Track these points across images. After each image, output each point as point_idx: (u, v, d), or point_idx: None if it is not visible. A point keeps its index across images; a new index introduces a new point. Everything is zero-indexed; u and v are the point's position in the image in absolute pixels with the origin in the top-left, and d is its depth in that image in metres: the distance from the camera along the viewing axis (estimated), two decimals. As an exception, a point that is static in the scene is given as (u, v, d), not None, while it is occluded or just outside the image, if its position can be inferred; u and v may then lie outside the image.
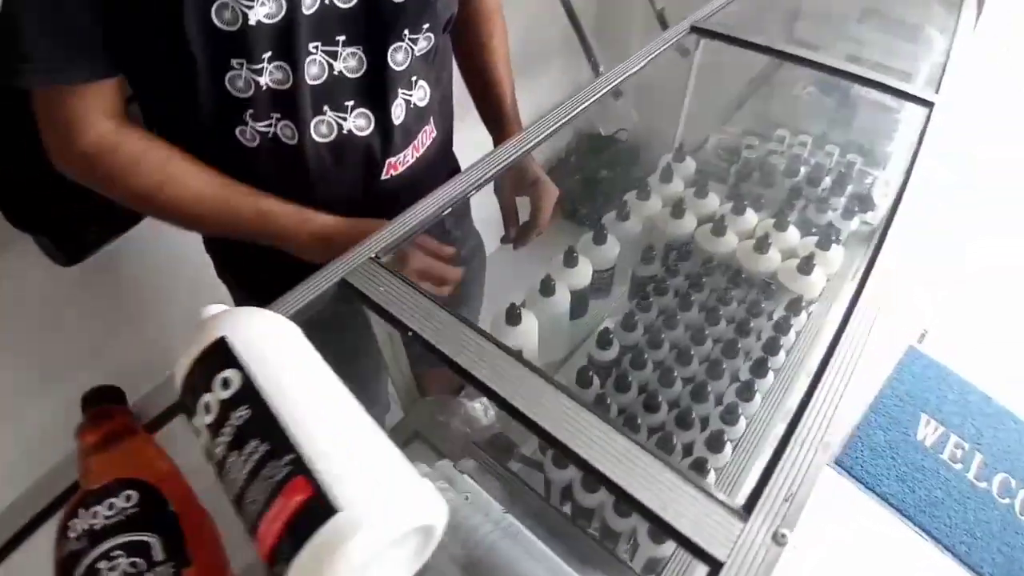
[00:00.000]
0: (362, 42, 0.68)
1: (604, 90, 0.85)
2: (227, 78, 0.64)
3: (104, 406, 0.52)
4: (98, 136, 0.64)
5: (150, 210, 0.70)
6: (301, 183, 0.73)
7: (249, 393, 0.38)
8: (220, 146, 0.69)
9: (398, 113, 0.74)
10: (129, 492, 0.45)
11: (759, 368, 0.77)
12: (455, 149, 0.94)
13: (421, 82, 0.76)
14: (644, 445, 0.45)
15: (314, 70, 0.67)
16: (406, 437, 0.83)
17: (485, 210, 0.94)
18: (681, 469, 0.44)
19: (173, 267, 1.15)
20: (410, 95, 0.75)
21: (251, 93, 0.65)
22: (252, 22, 0.60)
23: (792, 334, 0.82)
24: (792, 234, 0.89)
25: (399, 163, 0.78)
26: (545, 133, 0.80)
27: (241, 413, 0.37)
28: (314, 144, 0.70)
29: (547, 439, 0.48)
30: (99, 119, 0.64)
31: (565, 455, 0.46)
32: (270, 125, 0.68)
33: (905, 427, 1.73)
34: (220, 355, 0.40)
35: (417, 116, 0.78)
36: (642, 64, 0.88)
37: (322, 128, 0.70)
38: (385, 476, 0.36)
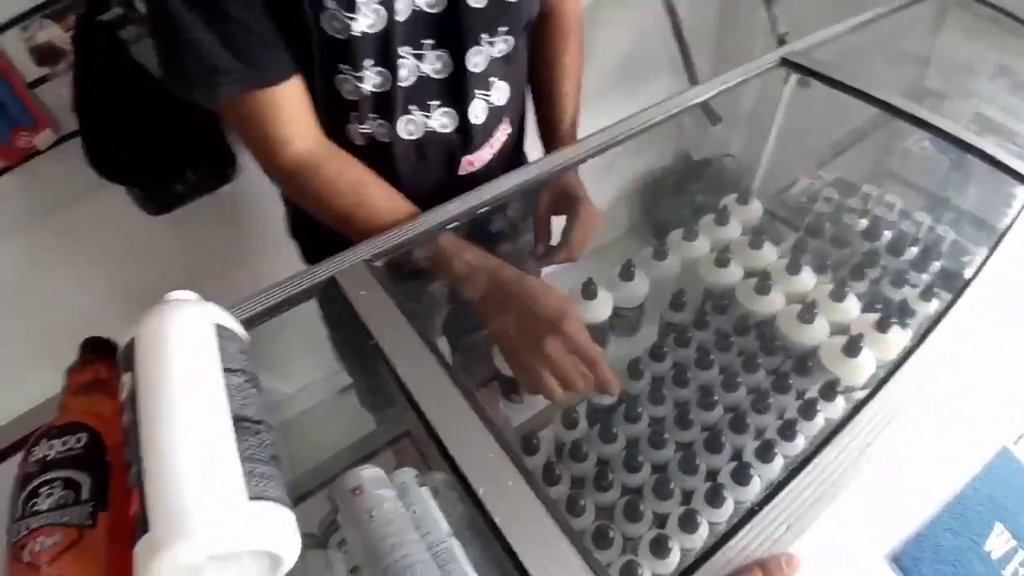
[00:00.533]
0: (447, 45, 0.72)
1: (666, 114, 0.82)
2: (335, 81, 0.69)
3: (94, 356, 0.58)
4: (296, 155, 0.69)
5: (345, 229, 0.73)
6: (391, 179, 0.77)
7: (132, 400, 0.43)
8: (338, 143, 0.74)
9: (477, 112, 0.78)
10: (81, 435, 0.50)
11: (765, 452, 0.69)
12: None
13: (500, 83, 0.79)
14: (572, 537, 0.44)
15: (404, 72, 0.71)
16: (399, 434, 0.85)
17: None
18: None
19: (252, 231, 1.25)
20: (488, 95, 0.78)
21: (356, 97, 0.70)
22: (356, 32, 0.64)
23: (819, 420, 0.73)
24: (849, 307, 0.80)
25: (476, 160, 0.83)
26: (589, 151, 0.79)
27: (127, 416, 0.42)
28: (402, 142, 0.76)
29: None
30: (293, 137, 0.69)
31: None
32: (369, 126, 0.74)
33: (976, 533, 1.50)
34: (127, 357, 0.45)
35: (495, 115, 0.81)
36: (719, 89, 0.84)
37: (409, 126, 0.75)
38: (196, 508, 0.37)
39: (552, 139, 0.92)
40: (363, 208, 0.71)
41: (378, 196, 0.73)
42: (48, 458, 0.49)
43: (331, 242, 0.71)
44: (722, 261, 0.84)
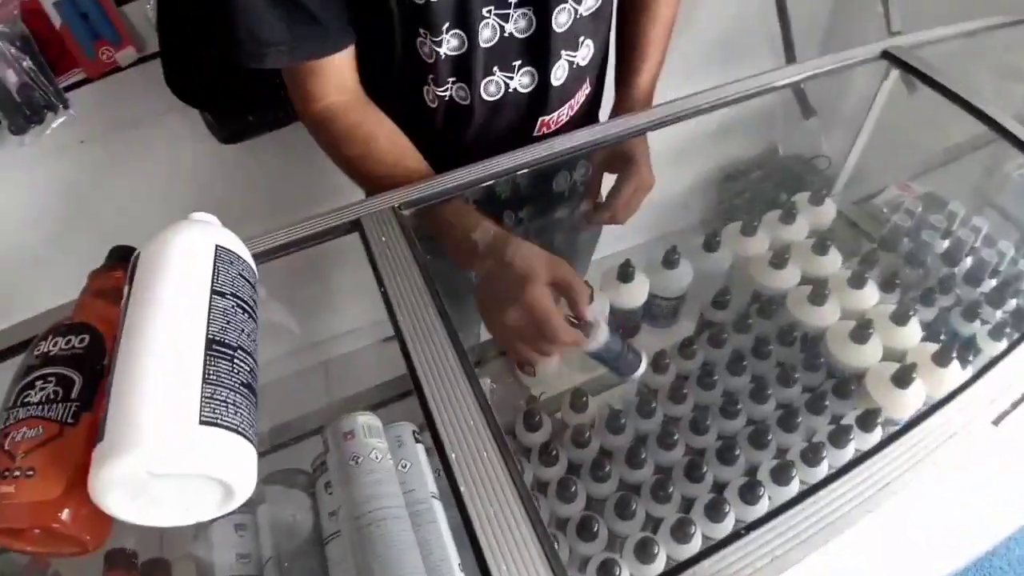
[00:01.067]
0: (531, 3, 0.69)
1: (751, 91, 0.76)
2: (416, 44, 0.68)
3: (116, 264, 0.60)
4: (324, 107, 0.71)
5: (350, 175, 0.75)
6: (466, 138, 0.77)
7: (125, 307, 0.44)
8: (410, 105, 0.74)
9: (559, 75, 0.76)
10: (84, 335, 0.51)
11: (782, 473, 0.63)
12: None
13: (587, 41, 0.76)
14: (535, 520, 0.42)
15: (487, 33, 0.69)
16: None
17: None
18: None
19: (314, 171, 1.27)
20: (573, 56, 0.76)
21: (432, 60, 0.69)
22: None
23: (849, 450, 0.66)
24: (909, 332, 0.72)
25: (551, 121, 0.80)
26: (663, 118, 0.74)
27: (119, 327, 0.44)
28: (482, 102, 0.74)
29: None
30: (329, 92, 0.70)
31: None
32: (448, 88, 0.73)
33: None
34: (132, 269, 0.47)
35: (577, 76, 0.78)
36: (811, 73, 0.77)
37: (491, 88, 0.74)
38: (144, 422, 0.38)
39: (627, 89, 0.86)
40: (368, 160, 0.72)
41: (384, 151, 0.72)
42: (50, 353, 0.50)
43: None
44: (778, 263, 0.78)
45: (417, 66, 0.70)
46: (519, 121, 0.78)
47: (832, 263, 0.80)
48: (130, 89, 1.07)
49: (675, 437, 0.66)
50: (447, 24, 0.66)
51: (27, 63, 1.06)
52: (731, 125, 1.71)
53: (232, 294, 0.47)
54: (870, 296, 0.76)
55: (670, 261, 0.77)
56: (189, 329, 0.42)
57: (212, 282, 0.46)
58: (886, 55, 0.81)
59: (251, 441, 0.41)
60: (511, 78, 0.74)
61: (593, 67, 0.81)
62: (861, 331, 0.70)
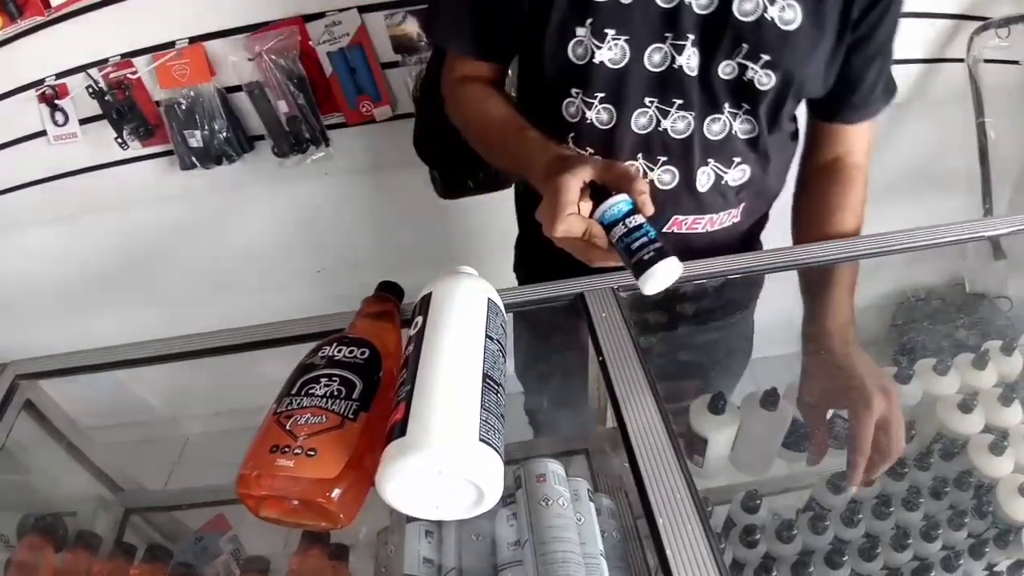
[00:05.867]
0: (691, 108, 0.73)
1: (946, 239, 0.77)
2: (564, 104, 0.77)
3: (386, 293, 0.72)
4: (457, 80, 0.86)
5: (468, 135, 0.87)
6: None
7: (419, 337, 0.55)
8: None
9: (703, 181, 0.77)
10: (365, 349, 0.62)
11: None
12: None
13: (743, 165, 0.78)
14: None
15: (643, 121, 0.74)
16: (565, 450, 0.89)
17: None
18: None
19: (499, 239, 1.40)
20: (724, 172, 0.77)
21: (578, 120, 0.76)
22: (596, 60, 0.71)
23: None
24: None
25: (684, 224, 0.81)
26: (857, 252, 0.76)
27: (411, 348, 0.54)
28: None
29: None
30: (466, 73, 0.85)
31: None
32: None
33: None
34: (424, 304, 0.58)
35: (722, 192, 0.79)
36: (1012, 229, 0.77)
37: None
38: (443, 431, 0.48)
39: (819, 302, 0.81)
40: (481, 114, 0.82)
41: (495, 108, 0.81)
42: (335, 358, 0.62)
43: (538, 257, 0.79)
44: (967, 407, 0.77)
45: (561, 124, 0.78)
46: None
47: (1014, 416, 0.79)
48: (379, 140, 1.27)
49: (844, 559, 0.67)
50: (602, 95, 0.73)
51: (300, 100, 1.28)
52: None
53: (497, 339, 0.57)
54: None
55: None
56: (472, 364, 0.53)
57: (486, 328, 0.56)
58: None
59: (504, 462, 0.50)
60: (651, 169, 0.77)
61: (745, 199, 0.82)
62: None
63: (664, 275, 0.58)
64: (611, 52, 0.70)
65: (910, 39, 1.34)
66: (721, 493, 0.78)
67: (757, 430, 0.77)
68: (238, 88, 1.27)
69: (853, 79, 0.76)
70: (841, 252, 0.80)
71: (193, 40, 1.21)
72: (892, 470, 0.75)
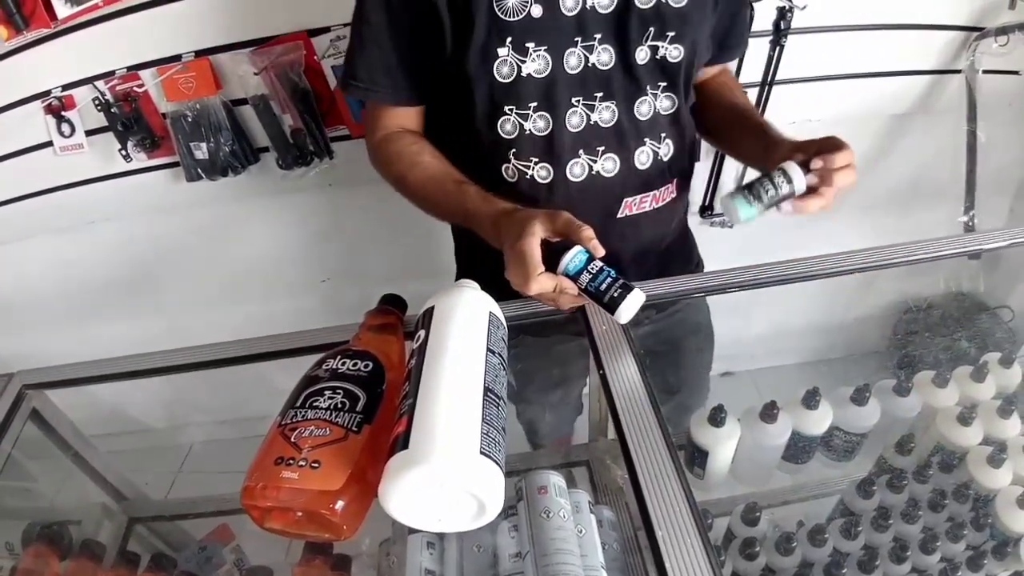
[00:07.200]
0: (614, 96, 0.79)
1: (929, 254, 0.78)
2: (499, 123, 0.80)
3: (389, 306, 0.73)
4: (383, 135, 0.87)
5: (402, 190, 0.87)
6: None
7: (422, 349, 0.55)
8: (488, 178, 0.83)
9: (643, 160, 0.84)
10: (368, 362, 0.63)
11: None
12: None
13: (668, 140, 0.85)
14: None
15: (575, 120, 0.79)
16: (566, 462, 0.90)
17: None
18: None
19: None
20: (657, 147, 0.84)
21: (514, 137, 0.80)
22: (524, 74, 0.75)
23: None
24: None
25: (634, 205, 0.87)
26: (838, 268, 0.77)
27: (414, 361, 0.55)
28: (565, 184, 0.83)
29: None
30: (391, 127, 0.86)
31: None
32: (530, 167, 0.82)
33: None
34: (426, 317, 0.58)
35: (660, 168, 0.86)
36: (999, 244, 0.78)
37: (575, 169, 0.83)
38: (445, 444, 0.48)
39: (766, 139, 0.84)
40: (416, 168, 0.83)
41: (429, 163, 0.83)
42: (338, 371, 0.62)
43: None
44: (966, 419, 0.78)
45: (499, 144, 0.80)
46: (605, 201, 0.85)
47: (1013, 427, 0.80)
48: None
49: (843, 571, 0.67)
50: (535, 104, 0.77)
51: (305, 113, 1.29)
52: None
53: (498, 353, 0.58)
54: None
55: (861, 399, 0.79)
56: (473, 378, 0.53)
57: (487, 341, 0.57)
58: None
59: (504, 474, 0.51)
60: (595, 161, 0.82)
61: (676, 171, 0.88)
62: (1035, 503, 0.69)
63: (634, 305, 0.67)
64: (536, 63, 0.76)
65: (910, 51, 1.35)
66: (721, 505, 0.78)
67: (757, 442, 0.77)
68: (244, 101, 1.28)
69: (726, 29, 0.88)
70: (834, 266, 0.83)
71: (199, 54, 1.22)
72: (891, 482, 0.76)
